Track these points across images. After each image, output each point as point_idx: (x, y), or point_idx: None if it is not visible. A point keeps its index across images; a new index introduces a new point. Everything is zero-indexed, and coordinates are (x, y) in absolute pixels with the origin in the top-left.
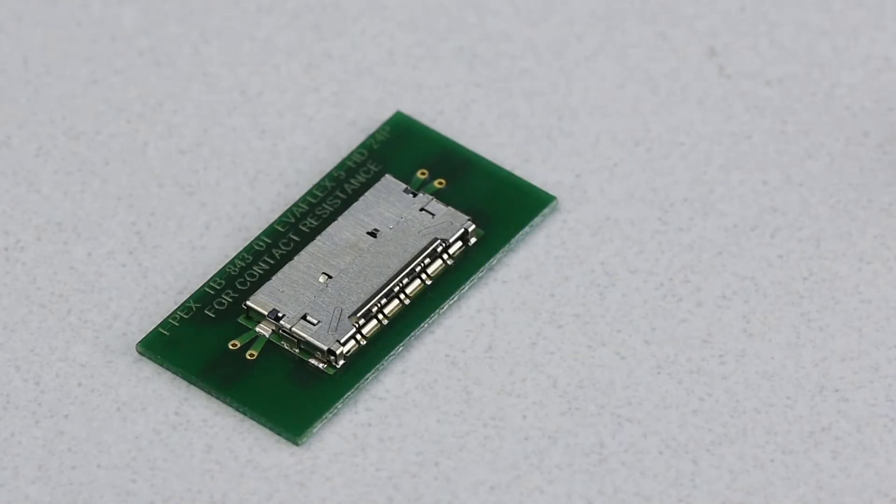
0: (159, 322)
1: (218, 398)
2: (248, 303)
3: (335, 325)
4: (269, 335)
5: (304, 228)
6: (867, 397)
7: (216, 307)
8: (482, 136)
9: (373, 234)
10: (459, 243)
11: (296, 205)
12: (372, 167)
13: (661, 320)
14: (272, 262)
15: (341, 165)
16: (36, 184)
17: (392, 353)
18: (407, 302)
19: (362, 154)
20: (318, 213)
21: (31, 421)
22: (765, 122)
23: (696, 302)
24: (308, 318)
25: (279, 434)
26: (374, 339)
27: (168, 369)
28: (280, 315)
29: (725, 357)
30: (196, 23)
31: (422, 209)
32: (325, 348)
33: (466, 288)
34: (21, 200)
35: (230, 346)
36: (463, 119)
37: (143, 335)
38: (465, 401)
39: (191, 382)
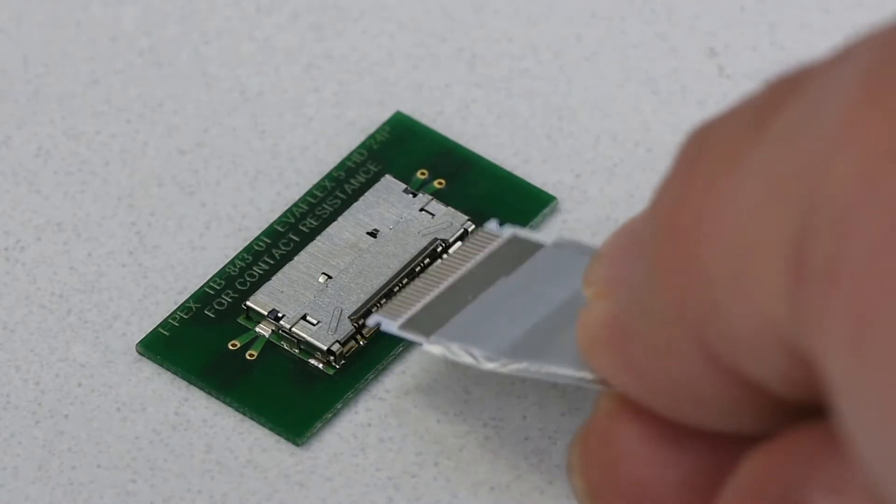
0: (159, 322)
1: (218, 398)
2: (248, 303)
3: (335, 325)
4: (269, 335)
5: (303, 228)
6: None
7: (216, 307)
8: (482, 136)
9: (373, 234)
10: (459, 243)
11: (296, 205)
12: (372, 167)
13: None
14: (272, 262)
15: (341, 165)
16: (36, 184)
17: (392, 353)
18: None
19: (362, 154)
20: (317, 213)
21: (31, 421)
22: None
23: None
24: (308, 318)
25: (279, 434)
26: (374, 339)
27: (168, 369)
28: (280, 315)
29: None
30: (196, 23)
31: (421, 209)
32: (325, 348)
33: None
34: (21, 200)
35: (230, 347)
36: (463, 119)
37: (143, 335)
38: (464, 401)
39: (191, 382)
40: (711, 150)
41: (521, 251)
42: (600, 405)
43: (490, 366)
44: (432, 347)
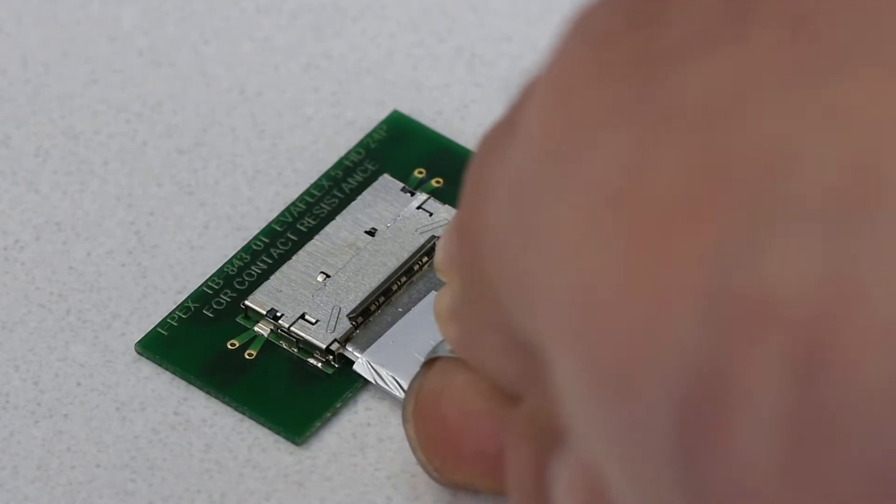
0: (158, 322)
1: (217, 398)
2: (247, 302)
3: (334, 323)
4: (268, 335)
5: (302, 228)
6: None
7: (215, 307)
8: (481, 135)
9: (370, 232)
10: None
11: (294, 204)
12: (369, 166)
13: None
14: (270, 261)
15: (339, 165)
16: (35, 183)
17: None
18: None
19: (359, 153)
20: (315, 212)
21: (30, 421)
22: None
23: None
24: (306, 317)
25: (278, 434)
26: None
27: (167, 369)
28: (279, 314)
29: None
30: (196, 23)
31: (419, 208)
32: (324, 347)
33: None
34: (20, 200)
35: (229, 346)
36: (462, 119)
37: (142, 335)
38: None
39: (190, 382)
40: (485, 152)
41: None
42: (435, 365)
43: None
44: (361, 369)
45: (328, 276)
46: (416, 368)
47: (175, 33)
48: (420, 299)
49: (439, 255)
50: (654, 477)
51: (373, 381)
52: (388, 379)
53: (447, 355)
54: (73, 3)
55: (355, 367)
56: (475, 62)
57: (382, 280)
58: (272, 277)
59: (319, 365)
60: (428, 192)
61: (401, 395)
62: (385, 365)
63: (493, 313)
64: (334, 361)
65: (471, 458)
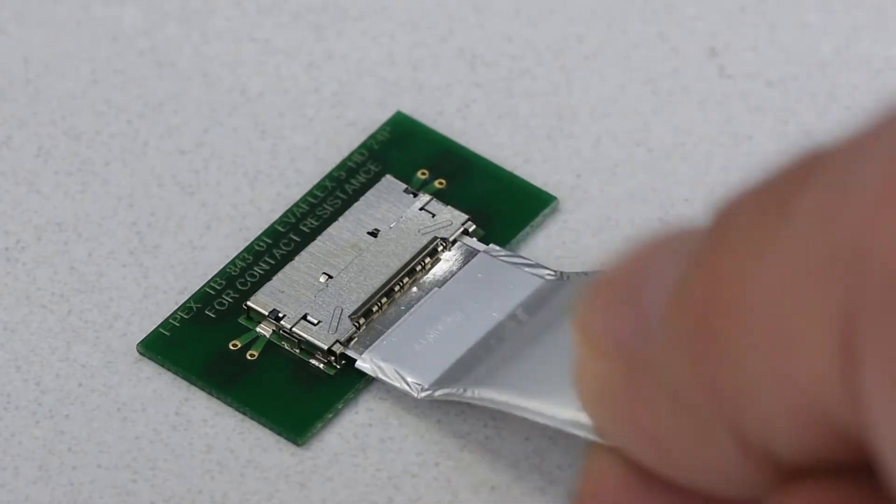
0: (160, 322)
1: (218, 398)
2: (249, 303)
3: (335, 324)
4: (270, 335)
5: (304, 228)
6: None
7: (217, 307)
8: (482, 136)
9: (373, 233)
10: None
11: (296, 205)
12: (372, 167)
13: None
14: (273, 262)
15: (341, 165)
16: (36, 184)
17: None
18: None
19: (362, 154)
20: (318, 213)
21: (31, 421)
22: (765, 122)
23: None
24: (308, 317)
25: (280, 434)
26: None
27: (168, 369)
28: (280, 315)
29: None
30: (196, 23)
31: (422, 209)
32: (326, 348)
33: None
34: (21, 200)
35: (231, 347)
36: (463, 119)
37: (144, 335)
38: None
39: (191, 383)
40: (737, 234)
41: (459, 259)
42: (587, 466)
43: (423, 395)
44: (364, 365)
45: (330, 276)
46: (418, 364)
47: (176, 33)
48: (422, 300)
49: (598, 325)
50: None
51: (375, 377)
52: (391, 372)
53: (593, 438)
54: (75, 3)
55: (357, 364)
56: (477, 62)
57: (384, 281)
58: (274, 278)
59: (321, 366)
60: (431, 194)
61: (403, 387)
62: (388, 359)
63: (731, 414)
64: (336, 362)
65: None
